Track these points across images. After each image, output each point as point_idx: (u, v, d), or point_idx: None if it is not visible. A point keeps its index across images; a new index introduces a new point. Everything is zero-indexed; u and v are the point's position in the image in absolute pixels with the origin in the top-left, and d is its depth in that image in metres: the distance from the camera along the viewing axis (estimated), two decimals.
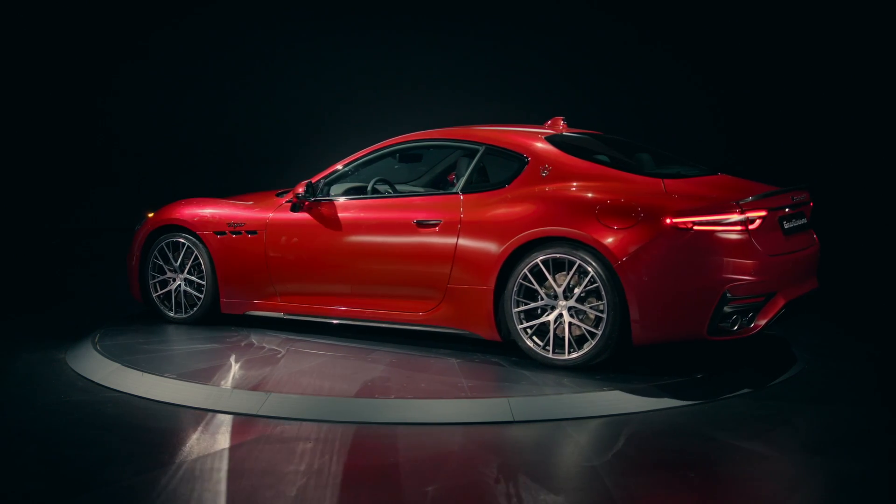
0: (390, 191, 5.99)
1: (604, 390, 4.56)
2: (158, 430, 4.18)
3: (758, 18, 14.25)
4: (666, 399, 4.55)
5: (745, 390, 4.80)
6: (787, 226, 5.05)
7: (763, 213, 4.83)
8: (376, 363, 5.14)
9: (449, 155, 6.41)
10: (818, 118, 14.22)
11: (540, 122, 6.09)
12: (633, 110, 14.25)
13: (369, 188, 5.91)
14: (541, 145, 5.33)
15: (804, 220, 5.32)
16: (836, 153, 14.24)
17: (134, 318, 6.48)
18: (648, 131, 13.73)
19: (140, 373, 4.92)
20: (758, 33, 14.33)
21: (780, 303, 4.88)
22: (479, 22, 14.52)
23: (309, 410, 4.39)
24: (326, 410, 4.38)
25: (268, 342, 5.70)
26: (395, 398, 4.48)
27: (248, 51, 14.65)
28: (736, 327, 4.78)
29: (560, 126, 5.86)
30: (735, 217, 4.73)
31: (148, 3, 14.32)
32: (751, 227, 4.78)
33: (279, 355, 5.35)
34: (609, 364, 4.98)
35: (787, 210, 5.07)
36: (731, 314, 4.74)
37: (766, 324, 4.86)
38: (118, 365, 5.08)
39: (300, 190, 5.76)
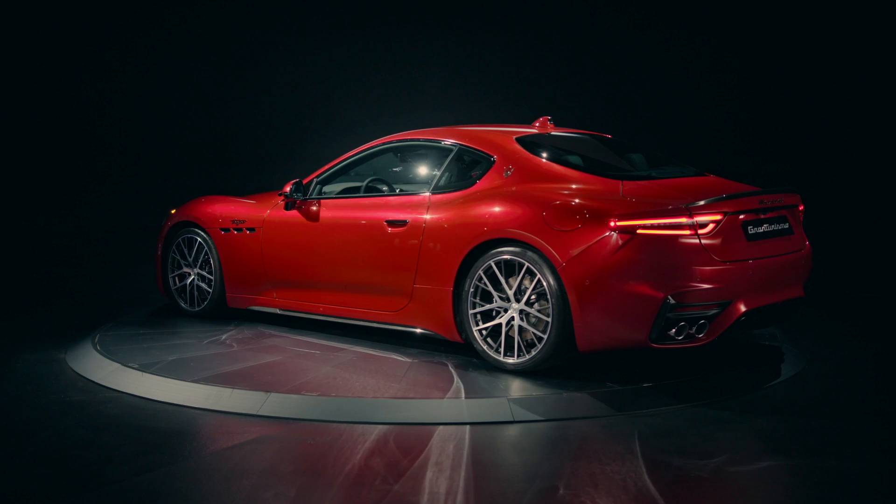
0: (387, 190, 6.03)
1: (601, 391, 4.55)
2: (158, 430, 4.18)
3: (772, 17, 14.24)
4: (665, 399, 4.55)
5: (745, 391, 4.80)
6: (752, 231, 4.79)
7: (717, 217, 4.60)
8: (329, 362, 5.15)
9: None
10: (830, 119, 14.21)
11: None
12: (644, 108, 14.27)
13: (363, 187, 5.98)
14: (508, 146, 5.30)
15: (784, 225, 5.06)
16: (839, 154, 14.23)
17: (134, 318, 6.50)
18: (661, 131, 13.76)
19: (140, 373, 4.93)
20: (771, 33, 14.32)
21: (739, 312, 4.64)
22: (486, 20, 14.53)
23: (309, 410, 4.39)
24: (326, 410, 4.38)
25: (239, 339, 5.79)
26: (317, 395, 4.49)
27: (248, 50, 14.66)
28: (681, 336, 4.56)
29: (547, 126, 5.86)
30: (683, 221, 4.53)
31: (147, 3, 14.32)
32: (701, 231, 4.56)
33: (230, 351, 5.43)
34: (605, 365, 4.98)
35: (759, 214, 4.85)
36: (678, 322, 4.53)
37: (722, 333, 4.64)
38: (118, 365, 5.09)
39: (287, 189, 5.93)
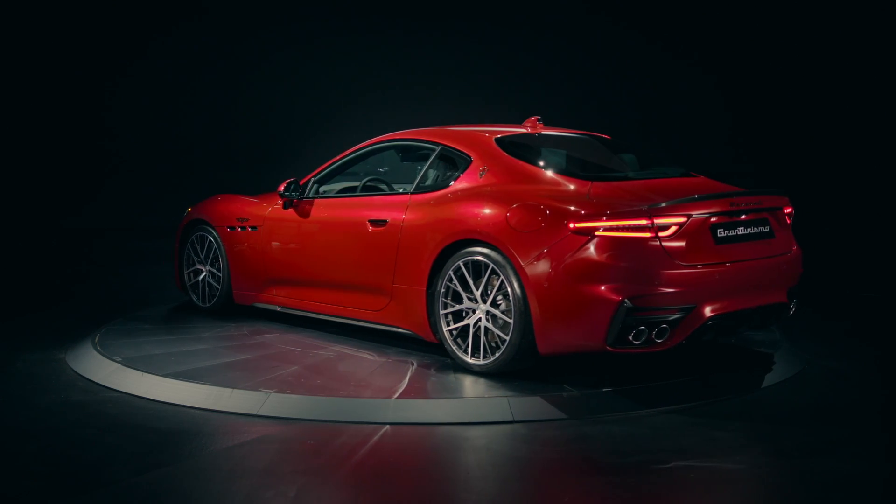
0: (386, 189, 6.06)
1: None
2: (158, 430, 4.18)
3: (768, 17, 14.24)
4: (665, 400, 4.54)
5: (745, 391, 4.80)
6: (722, 234, 4.63)
7: (680, 220, 4.47)
8: (300, 362, 5.17)
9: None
10: (831, 119, 14.20)
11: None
12: (649, 109, 14.29)
13: (359, 187, 6.04)
14: (486, 146, 5.27)
15: (764, 228, 4.88)
16: (839, 154, 14.22)
17: (134, 318, 6.50)
18: (666, 132, 13.76)
19: (140, 373, 4.93)
20: (769, 31, 14.32)
21: (704, 317, 4.48)
22: (490, 22, 14.54)
23: (309, 410, 4.39)
24: (326, 410, 4.38)
25: (223, 334, 5.92)
26: (291, 393, 4.50)
27: (248, 52, 14.66)
28: (639, 341, 4.41)
29: (536, 126, 5.83)
30: (642, 223, 4.41)
31: (150, 4, 14.33)
32: (662, 233, 4.43)
33: (214, 347, 5.51)
34: (606, 365, 4.98)
35: (731, 217, 4.69)
36: (638, 326, 4.38)
37: (688, 339, 4.49)
38: (118, 365, 5.09)
39: (280, 189, 6.01)
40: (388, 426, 4.22)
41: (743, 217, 4.77)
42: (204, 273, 6.62)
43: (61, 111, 14.15)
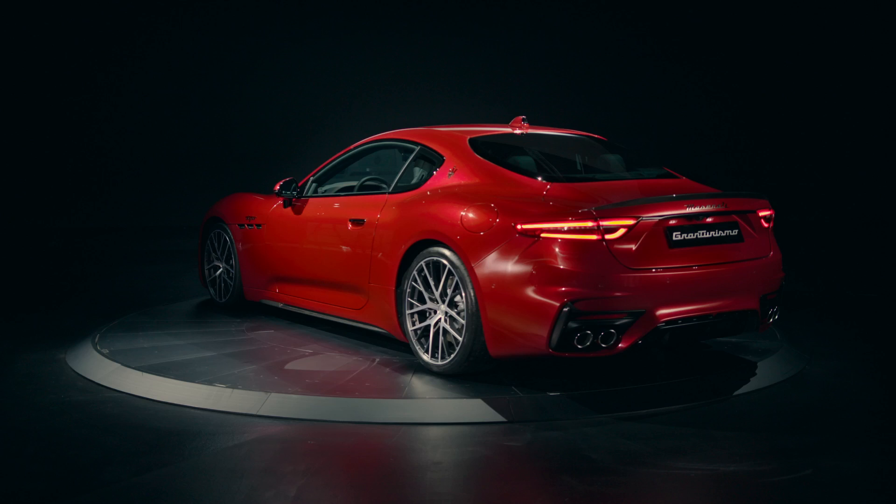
0: (386, 188, 6.07)
1: (601, 391, 4.54)
2: (158, 430, 4.18)
3: (766, 15, 14.25)
4: (664, 399, 4.54)
5: (745, 391, 4.80)
6: (678, 237, 4.49)
7: (629, 222, 4.34)
8: (269, 359, 5.21)
9: None
10: (831, 119, 14.21)
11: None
12: (641, 109, 14.28)
13: (357, 186, 6.08)
14: (458, 146, 5.25)
15: (732, 231, 4.70)
16: (839, 155, 14.24)
17: (134, 318, 6.50)
18: (671, 133, 13.75)
19: (140, 373, 4.94)
20: (767, 30, 14.33)
21: (655, 322, 4.35)
22: (492, 24, 14.55)
23: (309, 410, 4.39)
24: (326, 410, 4.38)
25: (220, 330, 6.04)
26: (273, 393, 4.53)
27: (247, 53, 14.67)
28: (583, 345, 4.30)
29: (521, 125, 5.81)
30: (587, 225, 4.30)
31: (151, 3, 14.33)
32: (609, 236, 4.32)
33: (187, 343, 5.59)
34: (605, 365, 4.98)
35: (692, 220, 4.54)
36: (583, 330, 4.27)
37: (636, 344, 4.36)
38: (118, 365, 5.09)
39: (276, 188, 6.09)
40: (399, 426, 4.23)
41: (708, 220, 4.61)
42: (220, 269, 6.76)
43: (61, 111, 14.15)
